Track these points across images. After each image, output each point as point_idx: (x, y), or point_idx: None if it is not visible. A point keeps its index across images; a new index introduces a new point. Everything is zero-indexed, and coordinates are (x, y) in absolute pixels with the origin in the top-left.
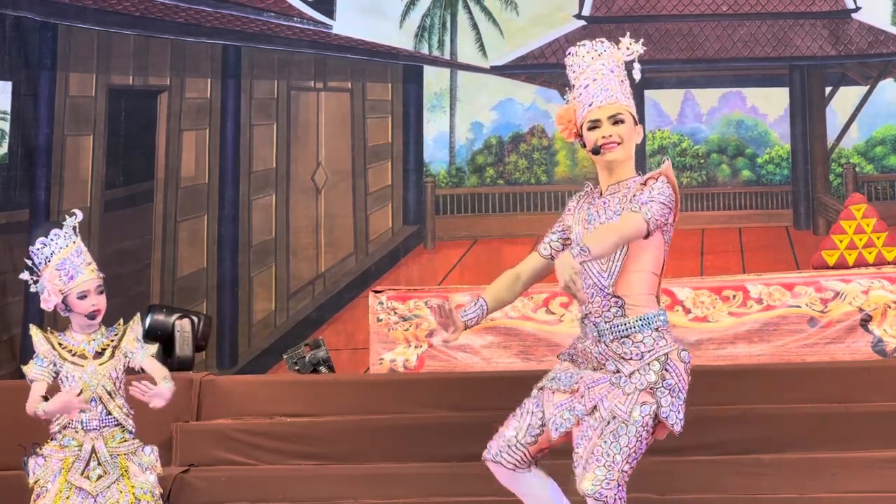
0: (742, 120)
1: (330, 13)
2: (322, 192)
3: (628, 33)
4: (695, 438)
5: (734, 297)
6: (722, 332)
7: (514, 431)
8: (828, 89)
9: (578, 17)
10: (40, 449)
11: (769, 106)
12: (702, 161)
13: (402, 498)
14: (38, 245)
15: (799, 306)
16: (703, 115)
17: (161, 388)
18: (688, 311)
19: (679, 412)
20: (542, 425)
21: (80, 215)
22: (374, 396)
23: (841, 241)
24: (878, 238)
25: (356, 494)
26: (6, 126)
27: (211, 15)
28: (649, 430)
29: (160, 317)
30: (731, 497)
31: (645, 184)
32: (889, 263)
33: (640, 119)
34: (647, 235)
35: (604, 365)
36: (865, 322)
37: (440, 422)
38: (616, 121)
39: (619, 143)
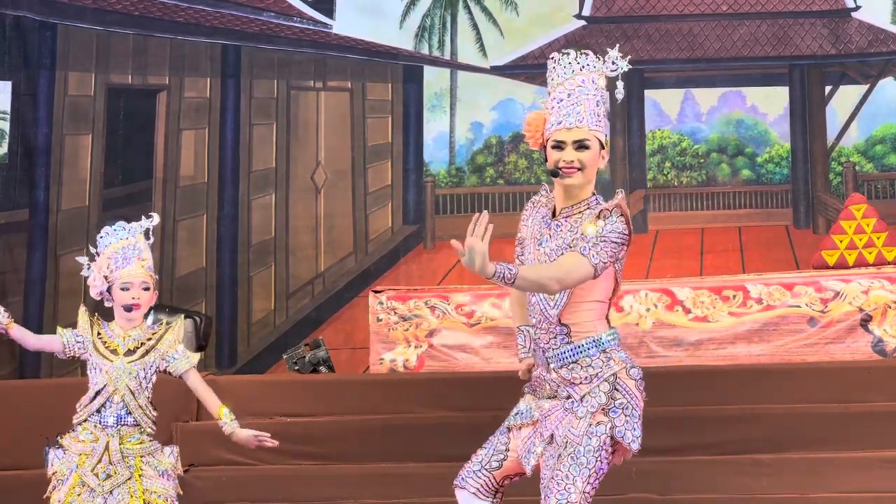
0: (742, 119)
1: (330, 13)
2: (322, 191)
3: (617, 45)
4: (695, 438)
5: (734, 297)
6: (722, 332)
7: (480, 457)
8: (828, 88)
9: (578, 17)
10: (62, 439)
11: (769, 105)
12: (701, 160)
13: (402, 498)
14: (101, 233)
15: (799, 306)
16: (702, 114)
17: (238, 435)
18: (688, 311)
19: (635, 429)
20: (507, 450)
21: (156, 219)
22: (374, 396)
23: (841, 241)
24: (878, 238)
25: (356, 494)
26: (6, 126)
27: (210, 14)
28: (608, 450)
29: (162, 316)
30: (731, 497)
31: (599, 216)
32: (889, 263)
33: (641, 118)
34: (597, 276)
35: (557, 392)
36: (865, 322)
37: (440, 422)
38: (580, 146)
39: (579, 170)
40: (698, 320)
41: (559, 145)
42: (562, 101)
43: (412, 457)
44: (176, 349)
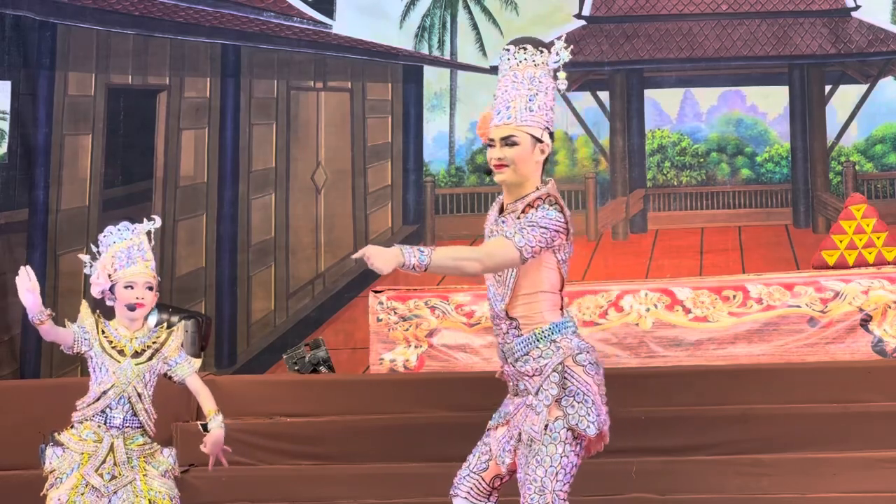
0: (741, 118)
1: (330, 13)
2: (322, 191)
3: (564, 35)
4: (695, 438)
5: (734, 297)
6: (722, 332)
7: (468, 462)
8: (827, 87)
9: (578, 16)
10: (58, 435)
11: (769, 104)
12: (701, 160)
13: (402, 498)
14: (104, 232)
15: (799, 306)
16: (702, 113)
17: (215, 434)
18: (688, 311)
19: (590, 415)
20: (491, 451)
21: (158, 221)
22: (374, 396)
23: (841, 241)
24: (878, 238)
25: (356, 494)
26: (5, 126)
27: (210, 14)
28: (572, 443)
29: (165, 316)
30: (731, 497)
31: (532, 205)
32: (889, 263)
33: (640, 118)
34: (525, 261)
35: (518, 387)
36: (865, 322)
37: (440, 422)
38: (507, 143)
39: (506, 166)
40: (698, 320)
41: (491, 143)
42: (497, 97)
43: (412, 457)
44: (178, 354)
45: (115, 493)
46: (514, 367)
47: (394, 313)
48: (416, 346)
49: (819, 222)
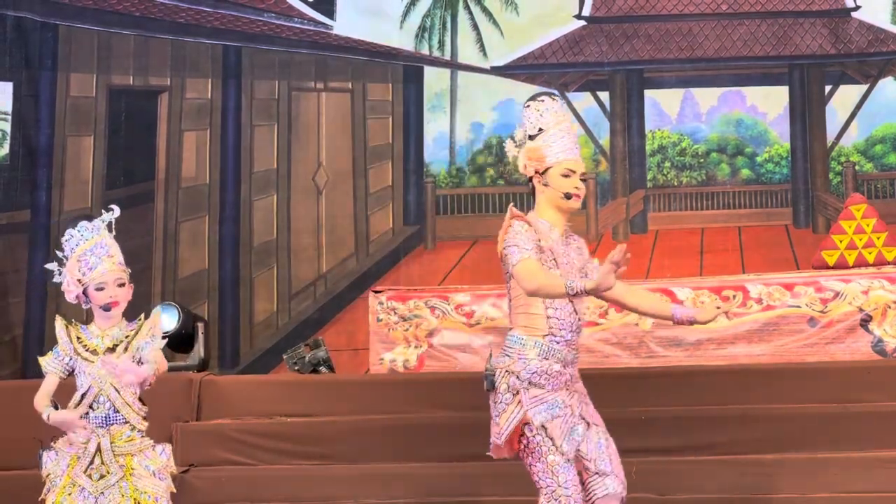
0: (741, 119)
1: (330, 14)
2: (323, 192)
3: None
4: (695, 438)
5: (734, 297)
6: (722, 332)
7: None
8: (827, 88)
9: (578, 17)
10: (54, 443)
11: (769, 105)
12: (701, 160)
13: (402, 498)
14: (66, 236)
15: (799, 306)
16: (702, 114)
17: (140, 368)
18: None
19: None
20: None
21: (117, 211)
22: (374, 396)
23: (841, 241)
24: (878, 238)
25: (356, 494)
26: (7, 127)
27: (211, 15)
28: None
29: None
30: (731, 497)
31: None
32: (889, 263)
33: (640, 118)
34: None
35: (574, 386)
36: (865, 322)
37: (440, 422)
38: (583, 179)
39: (580, 198)
40: None
41: (568, 174)
42: (564, 137)
43: (412, 457)
44: (145, 339)
45: (101, 493)
46: (572, 368)
47: (394, 313)
48: (415, 347)
49: (819, 222)
